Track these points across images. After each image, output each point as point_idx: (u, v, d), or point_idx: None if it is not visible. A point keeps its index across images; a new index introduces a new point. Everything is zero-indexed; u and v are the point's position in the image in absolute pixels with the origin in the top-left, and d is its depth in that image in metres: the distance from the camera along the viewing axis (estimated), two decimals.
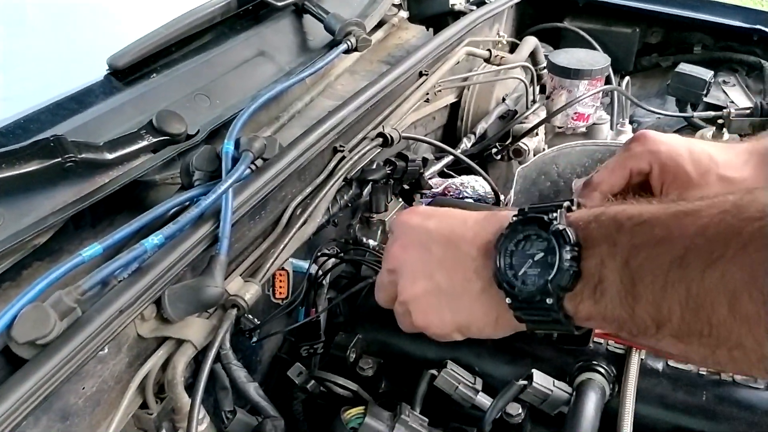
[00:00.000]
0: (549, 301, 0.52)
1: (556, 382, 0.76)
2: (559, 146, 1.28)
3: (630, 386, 0.74)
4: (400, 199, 1.14)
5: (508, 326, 0.59)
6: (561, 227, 0.52)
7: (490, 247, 0.58)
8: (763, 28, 1.78)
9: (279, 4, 1.19)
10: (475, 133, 1.53)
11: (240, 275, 0.82)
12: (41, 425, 0.61)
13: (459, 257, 0.60)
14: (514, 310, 0.56)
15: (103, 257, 0.68)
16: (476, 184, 1.33)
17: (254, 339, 0.87)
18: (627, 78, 1.93)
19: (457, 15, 1.56)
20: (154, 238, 0.71)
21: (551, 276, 0.52)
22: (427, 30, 1.58)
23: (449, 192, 1.33)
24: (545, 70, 1.61)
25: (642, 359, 0.78)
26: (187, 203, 0.79)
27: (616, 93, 1.73)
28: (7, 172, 0.73)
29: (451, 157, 1.36)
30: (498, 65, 1.52)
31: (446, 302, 0.61)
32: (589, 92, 1.46)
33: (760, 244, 0.41)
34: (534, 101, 1.59)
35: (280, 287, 0.93)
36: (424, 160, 1.14)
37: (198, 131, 0.93)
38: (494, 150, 1.50)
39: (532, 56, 1.67)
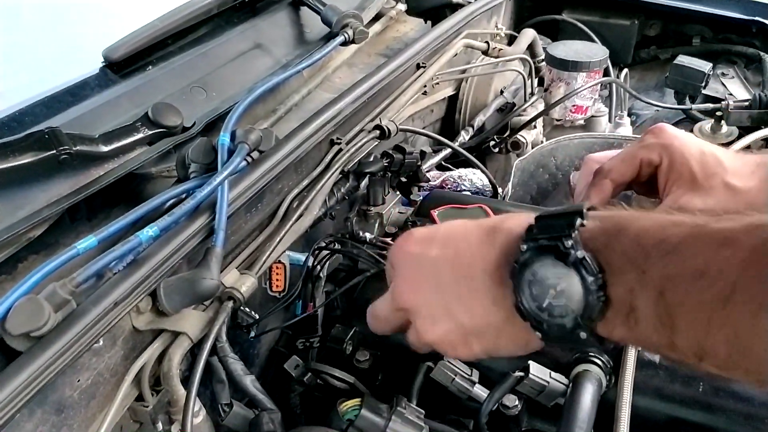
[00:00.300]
0: (583, 335, 0.50)
1: (553, 373, 0.76)
2: (558, 139, 1.28)
3: (627, 378, 0.74)
4: (398, 192, 1.14)
5: (539, 346, 0.57)
6: (580, 255, 0.49)
7: (503, 273, 0.54)
8: (761, 19, 1.77)
9: None
10: (473, 126, 1.52)
11: (236, 268, 0.82)
12: (36, 418, 0.61)
13: (473, 288, 0.57)
14: (547, 341, 0.54)
15: (98, 249, 0.68)
16: (474, 177, 1.32)
17: (252, 334, 0.87)
18: (625, 70, 1.92)
19: (455, 7, 1.56)
20: (150, 230, 0.70)
21: (581, 312, 0.49)
22: (425, 22, 1.57)
23: (447, 185, 1.33)
24: (543, 63, 1.60)
25: (639, 351, 0.77)
26: (183, 195, 0.79)
27: (614, 85, 1.72)
28: (1, 164, 0.73)
29: (449, 150, 1.35)
30: (496, 57, 1.52)
31: (472, 337, 0.59)
32: (587, 84, 1.45)
33: None
34: (532, 94, 1.58)
35: (277, 280, 0.92)
36: (422, 153, 1.13)
37: (194, 123, 0.93)
38: (492, 143, 1.50)
39: (531, 48, 1.67)
